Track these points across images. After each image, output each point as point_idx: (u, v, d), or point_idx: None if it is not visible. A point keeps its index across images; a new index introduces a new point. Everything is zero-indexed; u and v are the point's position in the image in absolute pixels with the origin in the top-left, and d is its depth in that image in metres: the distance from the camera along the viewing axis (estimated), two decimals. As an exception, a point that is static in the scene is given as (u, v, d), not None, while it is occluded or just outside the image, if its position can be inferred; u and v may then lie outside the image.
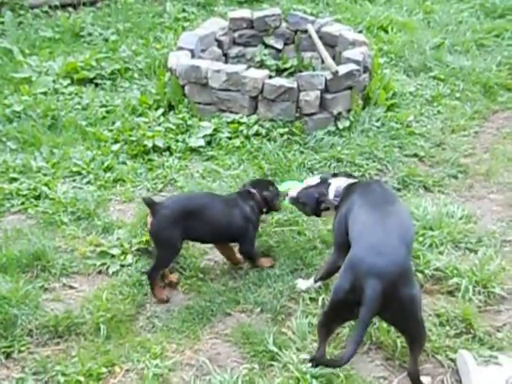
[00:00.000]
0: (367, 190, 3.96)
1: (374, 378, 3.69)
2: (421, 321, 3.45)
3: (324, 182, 4.30)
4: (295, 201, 4.45)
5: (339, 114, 6.03)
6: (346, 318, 3.55)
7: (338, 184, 4.20)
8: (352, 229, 3.66)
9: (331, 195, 4.17)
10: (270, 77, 6.14)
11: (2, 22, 8.32)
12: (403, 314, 3.34)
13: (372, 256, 3.28)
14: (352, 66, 6.07)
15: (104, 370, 3.71)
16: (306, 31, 6.98)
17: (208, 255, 4.59)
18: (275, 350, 3.78)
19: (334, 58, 6.38)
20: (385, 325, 3.86)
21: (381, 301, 3.17)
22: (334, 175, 4.42)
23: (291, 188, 4.59)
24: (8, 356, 3.83)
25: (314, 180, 4.43)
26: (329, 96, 5.97)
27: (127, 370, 3.73)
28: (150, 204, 4.17)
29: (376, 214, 3.63)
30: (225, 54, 7.01)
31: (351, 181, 4.24)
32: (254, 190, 4.51)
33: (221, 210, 4.33)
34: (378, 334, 3.88)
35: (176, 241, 4.19)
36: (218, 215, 4.30)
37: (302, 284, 4.28)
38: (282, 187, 4.82)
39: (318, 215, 4.40)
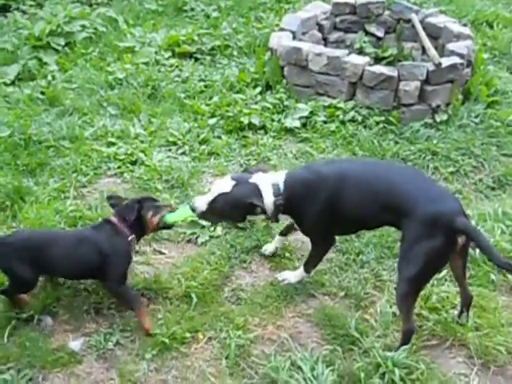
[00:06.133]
0: (345, 166, 3.86)
1: (454, 374, 3.64)
2: None
3: (243, 183, 3.72)
4: (208, 212, 3.76)
5: (438, 106, 5.92)
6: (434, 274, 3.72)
7: (271, 181, 3.71)
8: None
9: (269, 196, 3.69)
10: (371, 64, 6.09)
11: (109, -8, 8.56)
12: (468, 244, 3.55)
13: (438, 204, 3.41)
14: (456, 59, 5.94)
15: (188, 335, 3.80)
16: (408, 21, 6.86)
17: (297, 235, 4.61)
18: (356, 335, 3.77)
19: (436, 49, 6.26)
20: (470, 322, 3.82)
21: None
22: (247, 171, 3.92)
23: (179, 219, 4.06)
24: (98, 311, 3.97)
25: (226, 183, 3.73)
26: (429, 88, 5.86)
27: (210, 338, 3.81)
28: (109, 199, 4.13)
29: (394, 174, 3.67)
30: (324, 39, 6.97)
31: (284, 172, 3.82)
32: (114, 219, 3.94)
33: (67, 248, 3.87)
34: (463, 330, 3.82)
35: None
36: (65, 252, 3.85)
37: (290, 276, 4.19)
38: (169, 218, 4.05)
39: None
